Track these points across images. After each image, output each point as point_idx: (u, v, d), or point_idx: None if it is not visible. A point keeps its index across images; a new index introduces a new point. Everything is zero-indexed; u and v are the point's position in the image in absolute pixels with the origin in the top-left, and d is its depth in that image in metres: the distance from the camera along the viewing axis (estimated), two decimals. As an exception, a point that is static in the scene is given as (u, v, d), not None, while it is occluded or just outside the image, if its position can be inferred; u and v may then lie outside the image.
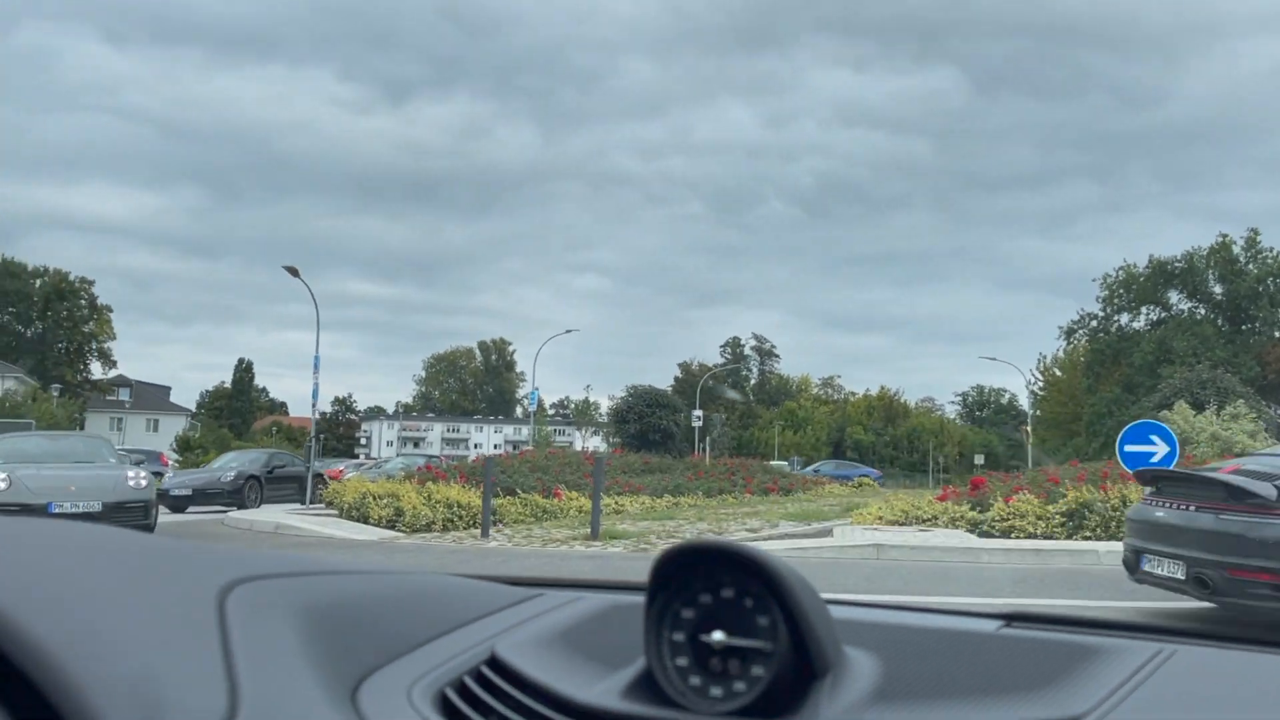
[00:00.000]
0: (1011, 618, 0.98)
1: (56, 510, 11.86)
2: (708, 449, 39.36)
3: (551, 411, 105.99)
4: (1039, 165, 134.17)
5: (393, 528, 14.98)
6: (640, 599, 0.84)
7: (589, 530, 13.46)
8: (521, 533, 14.22)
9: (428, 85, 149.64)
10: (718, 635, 0.73)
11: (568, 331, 50.39)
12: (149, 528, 12.54)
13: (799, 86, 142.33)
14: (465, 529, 14.78)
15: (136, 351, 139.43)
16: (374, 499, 15.95)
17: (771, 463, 43.16)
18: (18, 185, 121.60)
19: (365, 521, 15.59)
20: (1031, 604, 7.81)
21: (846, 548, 11.52)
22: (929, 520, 13.90)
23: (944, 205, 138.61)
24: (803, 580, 0.72)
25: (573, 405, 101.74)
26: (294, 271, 33.31)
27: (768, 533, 14.29)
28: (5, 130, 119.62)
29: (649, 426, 36.97)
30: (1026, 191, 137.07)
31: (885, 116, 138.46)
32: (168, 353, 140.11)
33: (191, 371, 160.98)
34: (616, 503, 19.71)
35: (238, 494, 20.95)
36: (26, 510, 11.64)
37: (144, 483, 13.00)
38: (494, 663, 0.83)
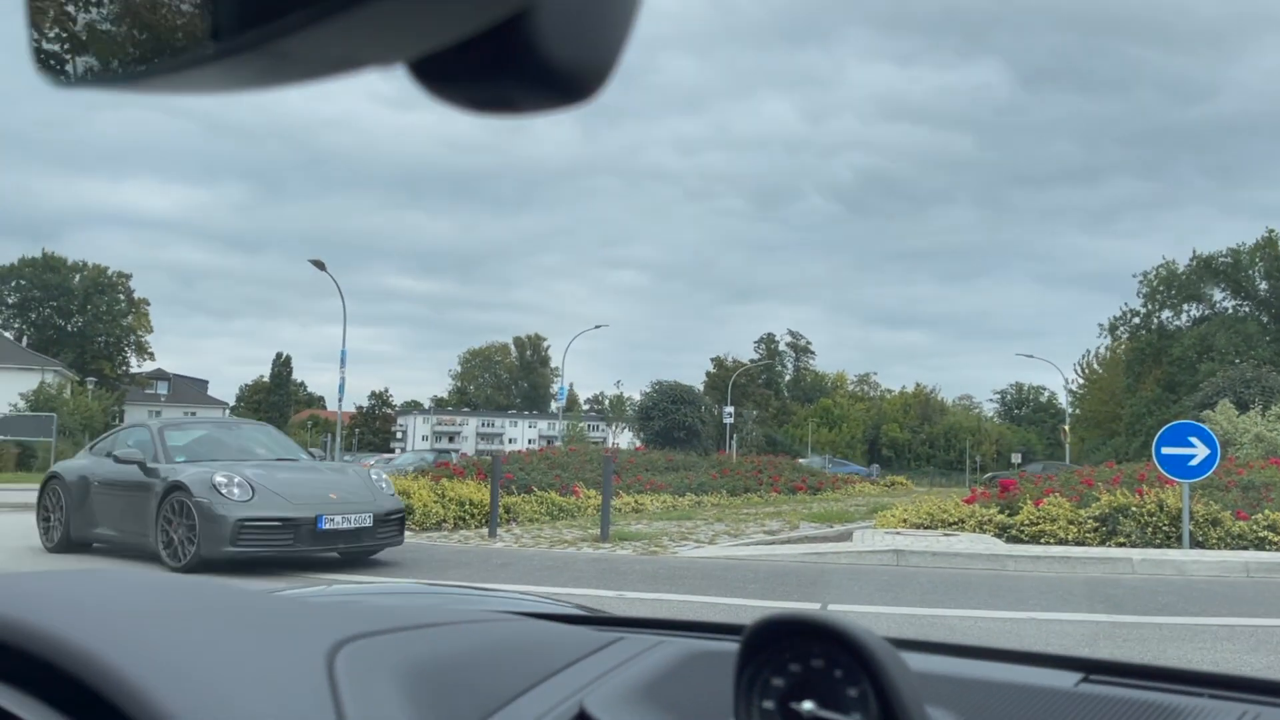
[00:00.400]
0: (1090, 668, 0.97)
1: (327, 525, 9.44)
2: (734, 446, 38.84)
3: (586, 407, 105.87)
4: (1084, 161, 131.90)
5: (402, 526, 14.65)
6: (719, 645, 0.90)
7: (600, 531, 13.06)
8: (531, 532, 13.85)
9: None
10: (808, 705, 0.72)
11: (597, 327, 49.88)
12: (400, 542, 10.55)
13: (840, 81, 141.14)
14: (476, 528, 14.44)
15: (180, 345, 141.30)
16: (385, 496, 15.59)
17: (802, 460, 42.56)
18: (66, 181, 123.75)
19: (376, 519, 15.24)
20: (1068, 611, 7.30)
21: (865, 553, 11.00)
22: (955, 524, 13.34)
23: (986, 201, 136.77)
24: (893, 652, 0.70)
25: (606, 400, 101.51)
26: (320, 265, 33.28)
27: (786, 535, 13.80)
28: (53, 126, 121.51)
29: (674, 423, 36.45)
30: (1071, 187, 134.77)
31: (928, 111, 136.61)
32: (211, 346, 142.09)
33: (234, 365, 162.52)
34: (636, 501, 19.32)
35: None
36: (289, 526, 9.28)
37: (389, 487, 10.78)
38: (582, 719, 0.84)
